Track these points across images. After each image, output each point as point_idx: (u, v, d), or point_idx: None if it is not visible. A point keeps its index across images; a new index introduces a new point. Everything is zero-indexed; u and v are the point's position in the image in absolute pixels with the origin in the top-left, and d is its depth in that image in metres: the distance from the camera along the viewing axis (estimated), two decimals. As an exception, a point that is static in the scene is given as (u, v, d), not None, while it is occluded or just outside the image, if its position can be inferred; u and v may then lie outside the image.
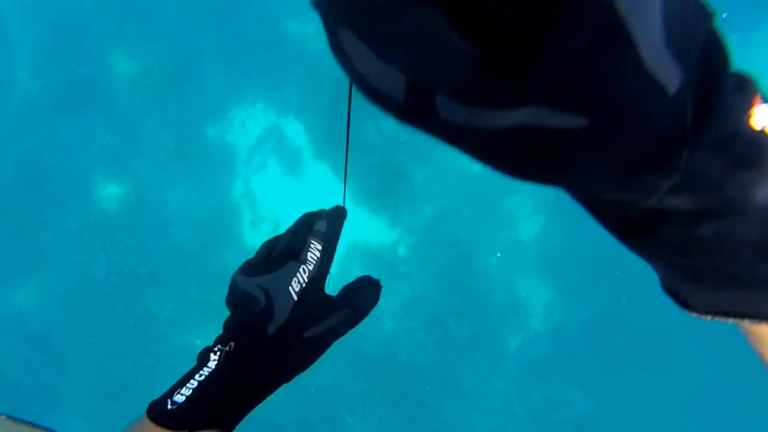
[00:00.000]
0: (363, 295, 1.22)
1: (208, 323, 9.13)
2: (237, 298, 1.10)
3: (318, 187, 9.92)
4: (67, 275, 9.00)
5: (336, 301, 1.15)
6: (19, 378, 8.96)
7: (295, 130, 9.90)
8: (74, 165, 9.07)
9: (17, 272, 9.09)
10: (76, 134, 9.09)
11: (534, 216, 10.22)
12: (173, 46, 9.45)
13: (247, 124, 9.81)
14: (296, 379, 1.16)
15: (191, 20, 9.57)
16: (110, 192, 9.20)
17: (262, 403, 1.09)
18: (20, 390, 8.94)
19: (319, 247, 1.12)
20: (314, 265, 1.09)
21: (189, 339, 9.15)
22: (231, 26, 9.64)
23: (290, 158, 9.93)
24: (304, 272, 1.08)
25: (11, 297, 9.09)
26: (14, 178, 8.94)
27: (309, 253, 1.10)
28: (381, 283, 1.22)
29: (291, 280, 1.06)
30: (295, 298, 1.05)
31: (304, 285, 1.07)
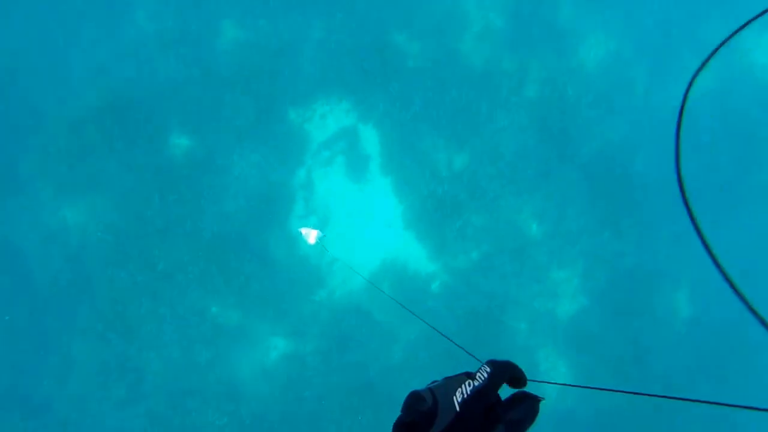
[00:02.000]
0: (518, 409, 1.31)
1: (230, 293, 9.18)
2: (409, 399, 1.26)
3: (375, 199, 9.91)
4: (118, 205, 9.24)
5: (498, 415, 1.28)
6: (44, 284, 9.20)
7: (370, 138, 10.02)
8: (157, 105, 9.34)
9: (74, 189, 9.42)
10: (168, 79, 9.38)
11: (577, 296, 9.95)
12: (281, 26, 9.69)
13: (328, 118, 10.00)
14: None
15: (303, 5, 9.80)
16: (181, 142, 9.42)
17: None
18: (39, 295, 9.15)
19: (489, 369, 1.29)
20: (480, 382, 1.25)
21: (206, 304, 9.24)
22: (338, 22, 9.85)
23: (358, 163, 10.02)
24: (469, 386, 1.25)
25: (61, 209, 9.39)
26: (99, 101, 9.27)
27: (479, 373, 1.28)
28: (542, 398, 1.32)
29: (456, 391, 1.23)
30: (457, 408, 1.21)
31: (466, 396, 1.22)
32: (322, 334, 9.56)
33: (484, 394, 1.24)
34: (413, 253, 9.91)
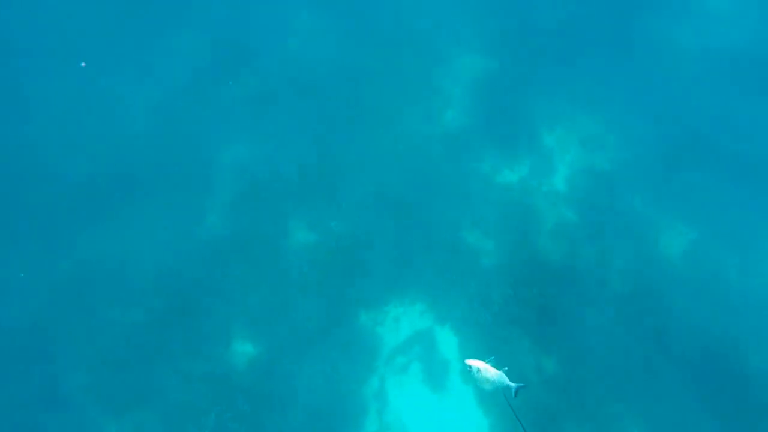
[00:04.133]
0: None
1: None
2: None
3: (457, 411, 8.85)
4: (168, 423, 8.22)
5: None
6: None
7: (448, 341, 9.47)
8: (222, 308, 8.88)
9: (122, 403, 8.45)
10: (237, 281, 9.04)
11: None
12: (352, 225, 9.59)
13: (401, 321, 9.52)
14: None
15: (373, 203, 9.77)
16: (245, 349, 8.82)
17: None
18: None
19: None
20: None
21: None
22: (409, 220, 9.70)
23: (436, 370, 9.31)
24: None
25: (106, 427, 8.37)
26: (162, 302, 8.79)
27: None
28: None
29: None
30: None
31: None
32: None
33: None
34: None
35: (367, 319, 9.60)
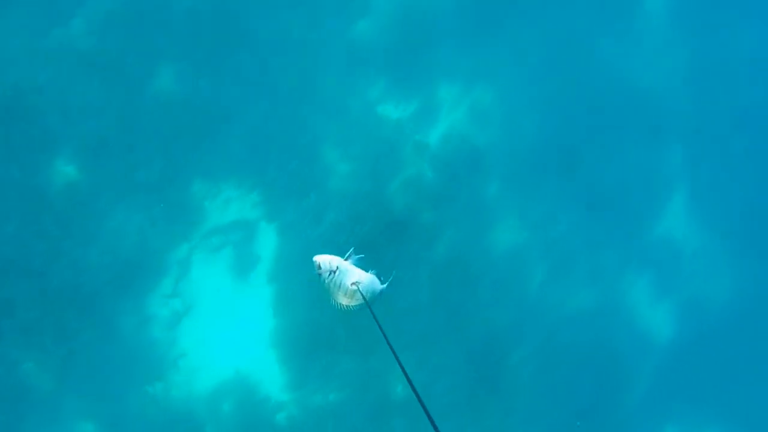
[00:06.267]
0: None
1: (55, 354, 7.98)
2: None
3: (249, 305, 9.47)
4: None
5: None
6: None
7: (268, 240, 10.43)
8: (57, 124, 8.24)
9: None
10: (83, 101, 8.56)
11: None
12: (223, 93, 9.51)
13: (232, 203, 10.21)
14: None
15: (251, 78, 9.81)
16: (67, 170, 8.78)
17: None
18: None
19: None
20: None
21: (22, 356, 8.05)
22: (281, 112, 9.85)
23: (246, 261, 10.23)
24: None
25: None
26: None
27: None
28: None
29: None
30: None
31: None
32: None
33: None
34: (268, 376, 9.28)
35: (199, 188, 9.61)
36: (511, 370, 10.21)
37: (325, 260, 4.41)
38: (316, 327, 9.89)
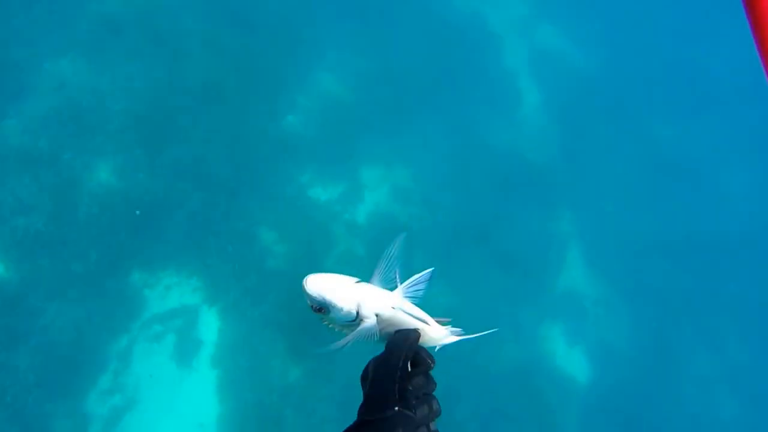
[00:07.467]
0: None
1: None
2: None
3: (194, 393, 9.12)
4: None
5: None
6: None
7: (210, 324, 9.90)
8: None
9: None
10: (18, 196, 8.27)
11: None
12: (160, 184, 9.40)
13: (172, 290, 9.72)
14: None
15: (187, 171, 9.69)
16: None
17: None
18: None
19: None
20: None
21: None
22: (217, 200, 9.70)
23: (188, 347, 9.74)
24: None
25: None
26: None
27: None
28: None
29: None
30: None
31: None
32: None
33: None
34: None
35: (139, 278, 9.28)
36: (455, 428, 10.47)
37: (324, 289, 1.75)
38: (263, 409, 9.62)
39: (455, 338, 1.86)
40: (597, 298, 12.11)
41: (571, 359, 11.37)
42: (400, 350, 1.55)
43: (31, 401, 7.99)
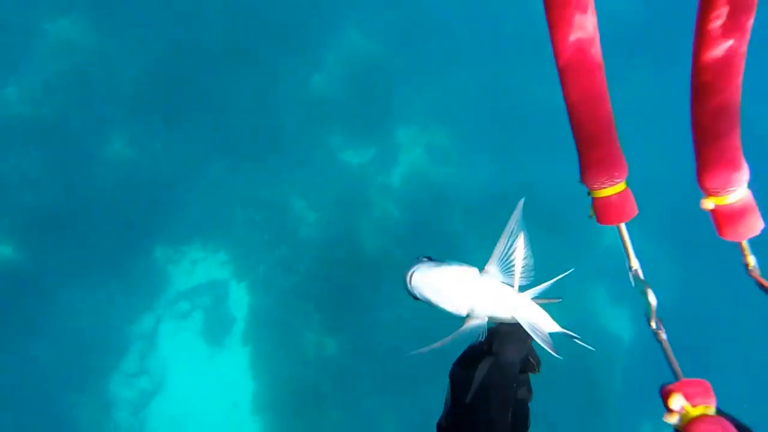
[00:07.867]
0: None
1: None
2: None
3: (226, 370, 8.59)
4: None
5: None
6: None
7: (240, 299, 9.08)
8: None
9: None
10: (24, 176, 7.71)
11: None
12: (180, 154, 8.87)
13: (198, 265, 8.94)
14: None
15: (208, 136, 9.02)
16: (3, 251, 7.49)
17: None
18: None
19: None
20: None
21: None
22: (242, 169, 9.08)
23: (218, 324, 8.93)
24: None
25: None
26: None
27: None
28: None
29: None
30: None
31: None
32: None
33: None
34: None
35: (161, 254, 8.63)
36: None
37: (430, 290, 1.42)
38: (300, 383, 9.08)
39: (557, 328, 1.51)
40: (641, 255, 11.28)
41: (615, 318, 10.78)
42: (515, 371, 1.37)
43: (53, 392, 7.58)
